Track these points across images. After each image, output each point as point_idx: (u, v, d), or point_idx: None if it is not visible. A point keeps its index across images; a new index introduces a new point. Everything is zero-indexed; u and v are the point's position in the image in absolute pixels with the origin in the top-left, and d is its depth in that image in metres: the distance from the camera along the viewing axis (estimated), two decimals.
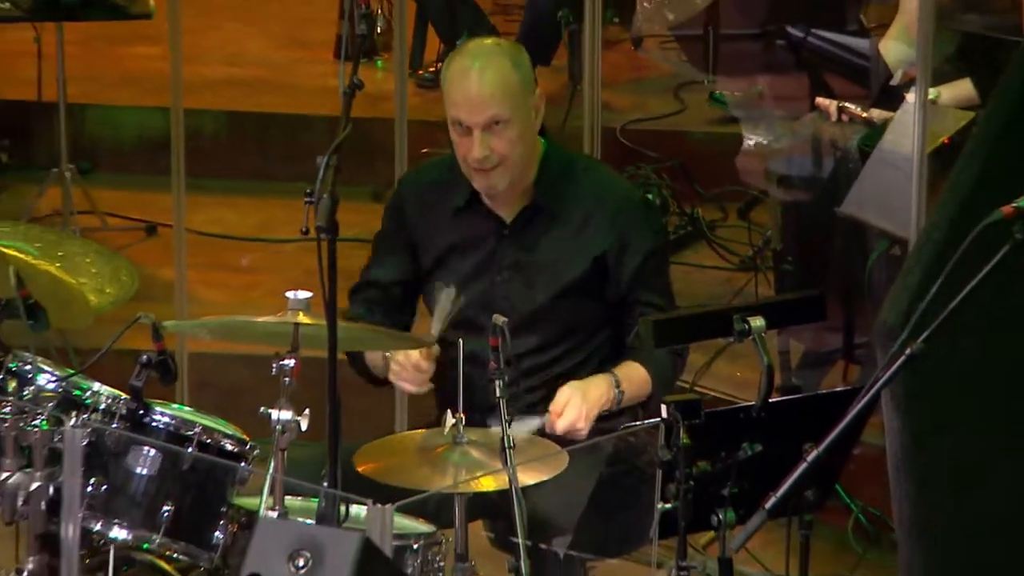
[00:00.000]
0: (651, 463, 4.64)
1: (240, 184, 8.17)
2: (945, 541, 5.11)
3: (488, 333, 4.60)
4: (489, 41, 6.00)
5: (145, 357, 4.51)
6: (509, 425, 4.57)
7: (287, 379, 4.47)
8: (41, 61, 7.89)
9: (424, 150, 7.00)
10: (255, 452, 4.86)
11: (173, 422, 4.63)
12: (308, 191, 4.52)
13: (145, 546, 4.74)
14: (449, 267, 5.51)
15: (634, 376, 5.24)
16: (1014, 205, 4.21)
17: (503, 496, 4.52)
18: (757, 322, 4.55)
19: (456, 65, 5.42)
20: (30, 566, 4.62)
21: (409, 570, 4.75)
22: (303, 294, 4.66)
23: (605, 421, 5.12)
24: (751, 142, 7.65)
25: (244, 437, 4.91)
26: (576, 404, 5.04)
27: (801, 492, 4.37)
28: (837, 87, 7.36)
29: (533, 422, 5.09)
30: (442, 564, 4.82)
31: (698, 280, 7.20)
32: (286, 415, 4.44)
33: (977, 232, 4.21)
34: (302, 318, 4.53)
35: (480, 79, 5.23)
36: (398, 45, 6.92)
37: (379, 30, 8.36)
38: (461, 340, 4.89)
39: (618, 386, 5.18)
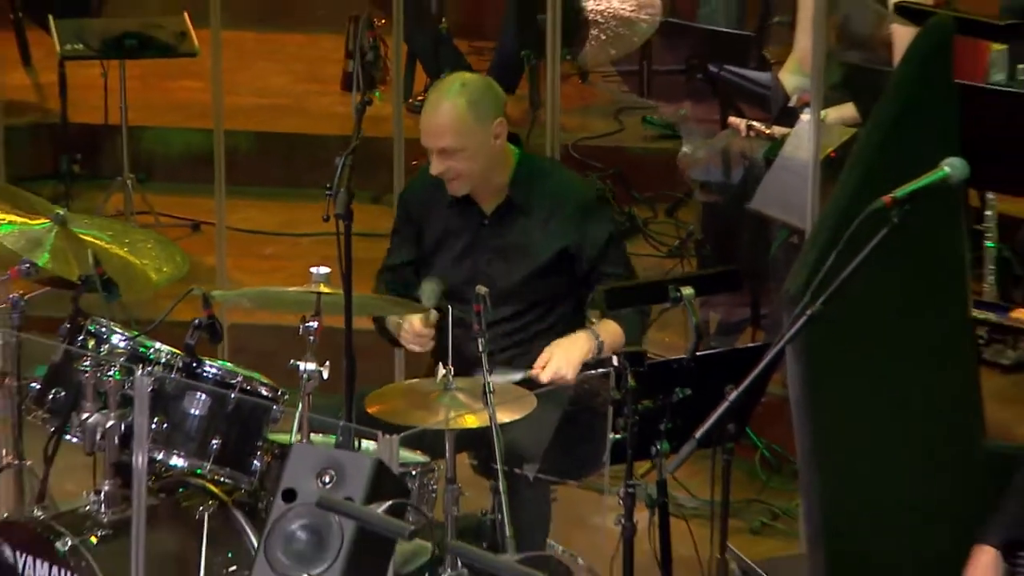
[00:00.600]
0: (604, 403, 4.76)
1: (267, 190, 8.11)
2: (836, 465, 4.92)
3: (473, 302, 4.73)
4: (457, 81, 5.74)
5: (197, 320, 4.64)
6: (490, 374, 4.69)
7: (311, 337, 4.61)
8: (107, 91, 7.83)
9: (414, 162, 6.94)
10: (285, 397, 4.91)
11: (220, 373, 4.73)
12: (328, 186, 4.71)
13: (198, 472, 4.84)
14: (445, 248, 5.59)
15: (611, 330, 5.32)
16: (891, 196, 4.16)
17: (484, 431, 4.64)
18: (688, 290, 4.70)
19: (427, 99, 5.72)
20: (106, 488, 4.73)
21: (410, 491, 4.74)
22: (324, 269, 4.71)
23: (592, 368, 5.20)
24: (680, 153, 7.50)
25: (276, 386, 4.92)
26: (559, 356, 5.14)
27: (724, 425, 4.40)
28: (745, 110, 7.31)
29: (515, 375, 5.18)
30: (435, 487, 4.87)
31: (635, 266, 6.87)
32: (311, 366, 4.59)
33: (863, 216, 4.15)
34: (323, 288, 4.62)
35: (435, 114, 5.34)
36: (395, 78, 6.95)
37: (379, 66, 8.37)
38: (450, 307, 4.87)
39: (598, 338, 5.27)
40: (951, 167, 4.39)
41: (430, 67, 8.23)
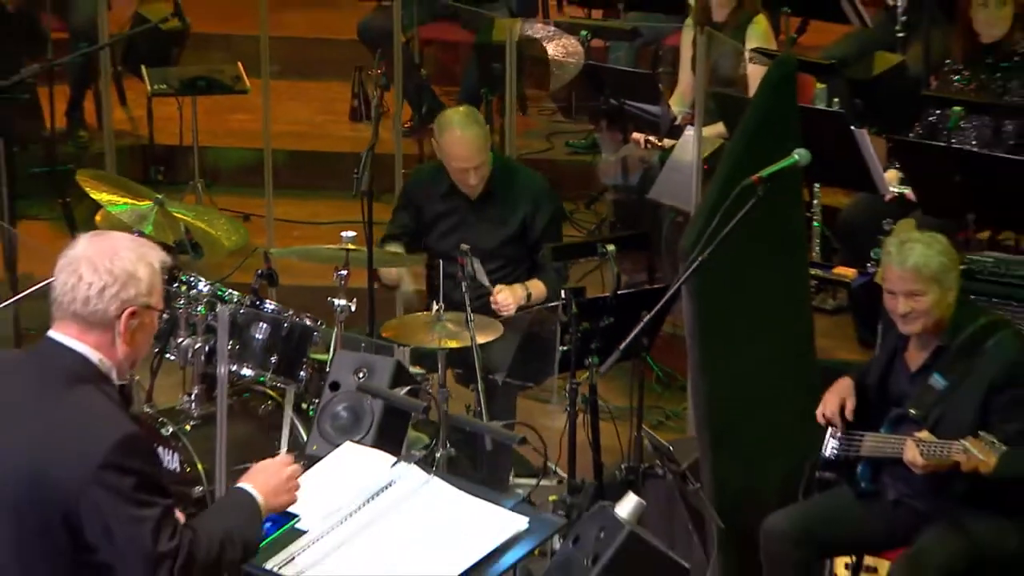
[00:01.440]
0: (552, 328, 5.08)
1: (297, 192, 8.13)
2: (717, 372, 4.85)
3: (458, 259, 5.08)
4: (470, 115, 6.02)
5: (260, 271, 4.96)
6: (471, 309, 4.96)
7: (342, 281, 4.88)
8: (182, 120, 7.95)
9: (403, 171, 7.14)
10: (322, 326, 5.05)
11: (276, 308, 4.91)
12: (355, 171, 5.19)
13: (260, 379, 5.00)
14: (440, 224, 5.77)
15: (537, 286, 5.56)
16: (758, 175, 4.31)
17: (466, 351, 4.82)
18: (611, 247, 5.04)
19: (454, 129, 5.67)
20: (195, 391, 4.97)
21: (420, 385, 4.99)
22: (350, 233, 5.04)
23: (520, 310, 5.36)
24: (601, 160, 7.48)
25: (316, 318, 5.06)
26: (505, 294, 5.40)
27: (640, 339, 4.37)
28: (645, 129, 7.40)
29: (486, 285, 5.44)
30: (430, 390, 4.90)
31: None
32: (343, 302, 4.86)
33: (738, 191, 4.27)
34: (350, 246, 4.92)
35: (472, 138, 5.53)
36: (396, 110, 7.05)
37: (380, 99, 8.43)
38: (441, 264, 5.09)
39: (527, 290, 5.53)
40: (799, 155, 4.53)
41: (413, 103, 8.16)
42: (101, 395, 2.69)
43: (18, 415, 2.71)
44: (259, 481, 2.91)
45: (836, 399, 4.44)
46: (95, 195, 5.46)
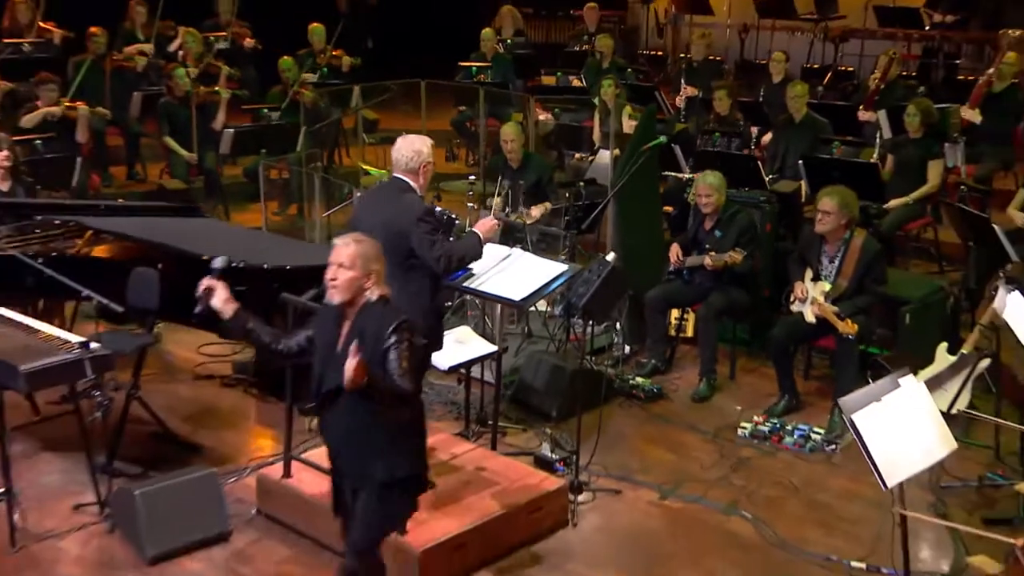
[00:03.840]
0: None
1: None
2: (626, 233, 7.16)
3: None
4: (512, 124, 8.32)
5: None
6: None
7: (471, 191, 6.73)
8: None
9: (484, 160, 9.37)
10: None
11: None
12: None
13: None
14: (505, 177, 7.89)
15: (545, 206, 7.77)
16: (647, 145, 6.68)
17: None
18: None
19: (505, 129, 8.16)
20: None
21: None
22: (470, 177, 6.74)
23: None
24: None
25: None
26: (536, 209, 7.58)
27: (598, 217, 6.70)
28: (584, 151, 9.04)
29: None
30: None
31: None
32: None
33: (639, 155, 6.60)
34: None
35: (510, 130, 8.11)
36: (480, 152, 8.43)
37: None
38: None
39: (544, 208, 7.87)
40: (661, 140, 7.05)
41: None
42: (415, 196, 4.83)
43: (384, 204, 4.87)
44: (479, 227, 5.00)
45: (675, 247, 6.78)
46: None
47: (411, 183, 4.92)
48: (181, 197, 8.77)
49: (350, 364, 3.57)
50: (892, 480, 4.13)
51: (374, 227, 4.80)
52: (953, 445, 4.45)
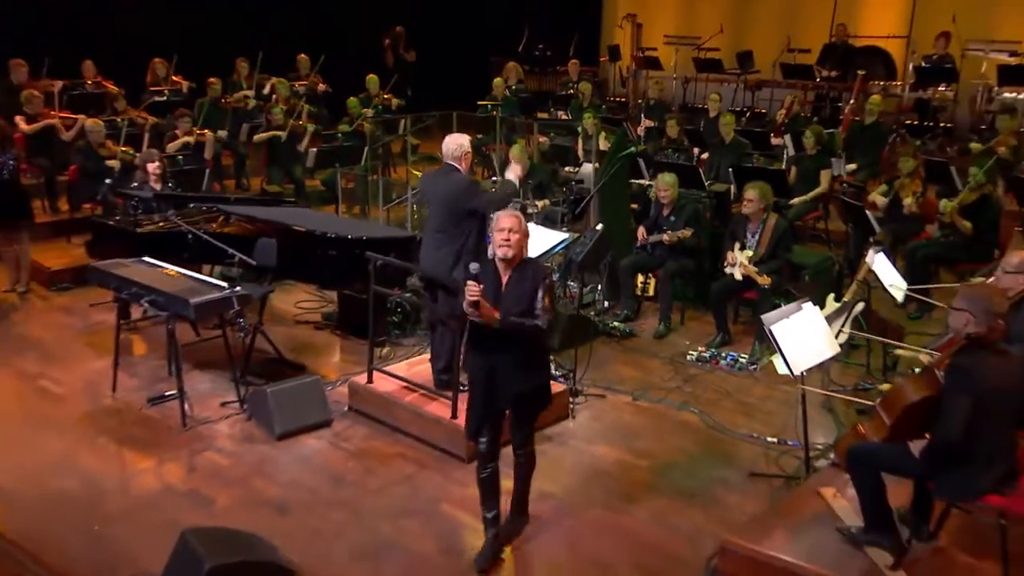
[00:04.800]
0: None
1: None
2: (605, 218, 6.88)
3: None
4: (519, 146, 7.59)
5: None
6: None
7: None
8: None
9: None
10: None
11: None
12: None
13: None
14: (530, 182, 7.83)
15: (544, 201, 7.66)
16: (623, 153, 6.85)
17: None
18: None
19: (513, 148, 7.45)
20: None
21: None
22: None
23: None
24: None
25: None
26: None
27: (588, 202, 7.67)
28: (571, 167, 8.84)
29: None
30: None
31: None
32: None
33: (617, 160, 6.84)
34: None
35: (517, 149, 7.42)
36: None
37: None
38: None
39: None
40: (633, 149, 7.17)
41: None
42: (461, 175, 4.88)
43: (441, 181, 4.95)
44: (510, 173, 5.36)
45: (641, 228, 6.77)
46: None
47: (457, 166, 5.01)
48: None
49: (541, 305, 3.59)
50: (798, 369, 4.43)
51: (435, 196, 5.03)
52: (837, 349, 4.70)
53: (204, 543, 3.56)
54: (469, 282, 3.61)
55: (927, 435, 3.49)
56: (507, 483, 4.02)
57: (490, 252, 3.90)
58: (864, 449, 3.63)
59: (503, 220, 3.71)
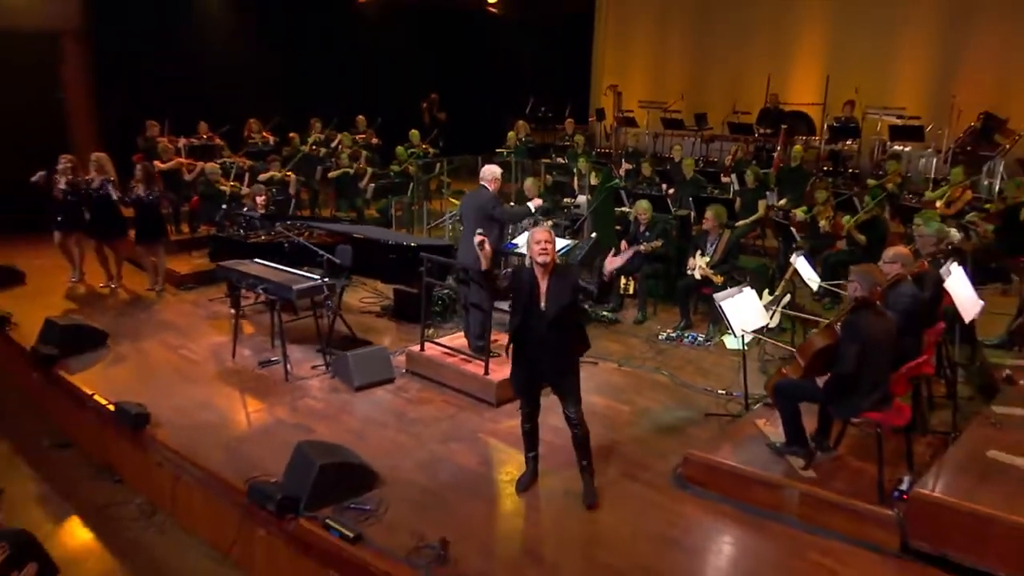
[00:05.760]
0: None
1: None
2: (597, 231, 7.01)
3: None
4: (532, 178, 7.37)
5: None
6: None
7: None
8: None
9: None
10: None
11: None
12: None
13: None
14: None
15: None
16: (609, 185, 7.04)
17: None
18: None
19: (527, 180, 7.20)
20: None
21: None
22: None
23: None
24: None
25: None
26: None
27: (586, 217, 8.05)
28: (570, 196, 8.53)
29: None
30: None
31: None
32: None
33: (604, 191, 6.96)
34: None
35: (530, 181, 7.07)
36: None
37: None
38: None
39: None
40: (616, 183, 7.31)
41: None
42: (489, 192, 5.03)
43: (475, 197, 5.18)
44: (532, 203, 5.52)
45: (623, 241, 6.63)
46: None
47: (488, 187, 5.26)
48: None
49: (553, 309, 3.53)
50: (739, 331, 4.82)
51: (470, 206, 5.34)
52: (767, 320, 5.08)
53: (314, 450, 4.02)
54: (479, 232, 3.86)
55: (829, 373, 3.77)
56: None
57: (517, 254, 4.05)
58: (786, 384, 4.01)
59: (538, 234, 3.63)
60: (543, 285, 3.65)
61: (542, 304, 3.60)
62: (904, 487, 3.58)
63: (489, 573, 3.29)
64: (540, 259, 3.60)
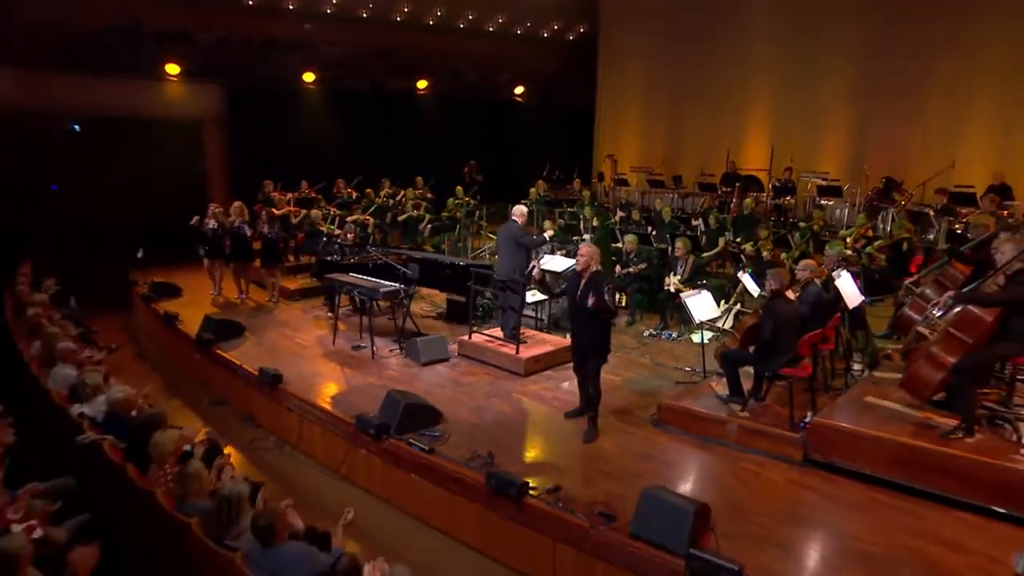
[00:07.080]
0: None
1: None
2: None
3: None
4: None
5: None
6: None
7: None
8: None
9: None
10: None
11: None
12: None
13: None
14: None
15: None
16: (607, 223, 7.33)
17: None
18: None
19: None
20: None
21: None
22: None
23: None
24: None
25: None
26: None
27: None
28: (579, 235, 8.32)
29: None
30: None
31: None
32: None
33: (603, 230, 7.30)
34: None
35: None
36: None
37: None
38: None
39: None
40: (612, 223, 7.58)
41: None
42: (518, 224, 5.33)
43: (507, 229, 5.46)
44: (547, 233, 5.70)
45: (617, 266, 6.88)
46: None
47: (517, 220, 5.64)
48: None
49: (591, 300, 3.95)
50: (697, 319, 5.35)
51: (503, 236, 5.76)
52: (719, 313, 5.56)
53: (399, 395, 4.66)
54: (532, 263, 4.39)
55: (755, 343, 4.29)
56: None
57: (536, 271, 4.39)
58: (729, 352, 4.59)
59: (581, 248, 4.14)
60: (582, 284, 4.08)
61: (578, 296, 4.09)
62: (808, 420, 4.01)
63: (521, 472, 3.82)
64: (578, 265, 4.16)
